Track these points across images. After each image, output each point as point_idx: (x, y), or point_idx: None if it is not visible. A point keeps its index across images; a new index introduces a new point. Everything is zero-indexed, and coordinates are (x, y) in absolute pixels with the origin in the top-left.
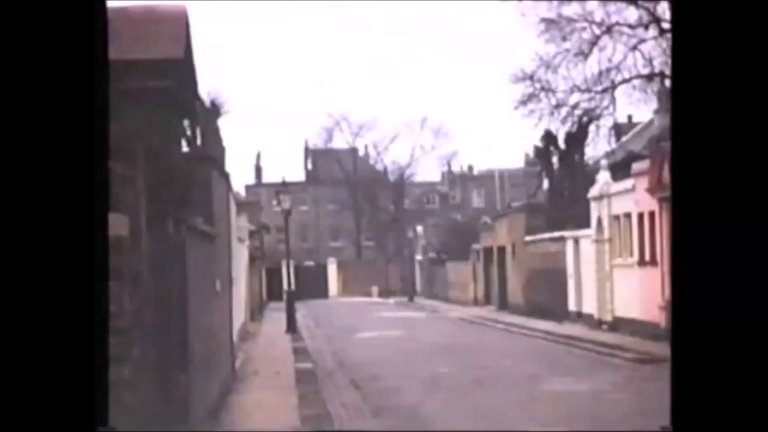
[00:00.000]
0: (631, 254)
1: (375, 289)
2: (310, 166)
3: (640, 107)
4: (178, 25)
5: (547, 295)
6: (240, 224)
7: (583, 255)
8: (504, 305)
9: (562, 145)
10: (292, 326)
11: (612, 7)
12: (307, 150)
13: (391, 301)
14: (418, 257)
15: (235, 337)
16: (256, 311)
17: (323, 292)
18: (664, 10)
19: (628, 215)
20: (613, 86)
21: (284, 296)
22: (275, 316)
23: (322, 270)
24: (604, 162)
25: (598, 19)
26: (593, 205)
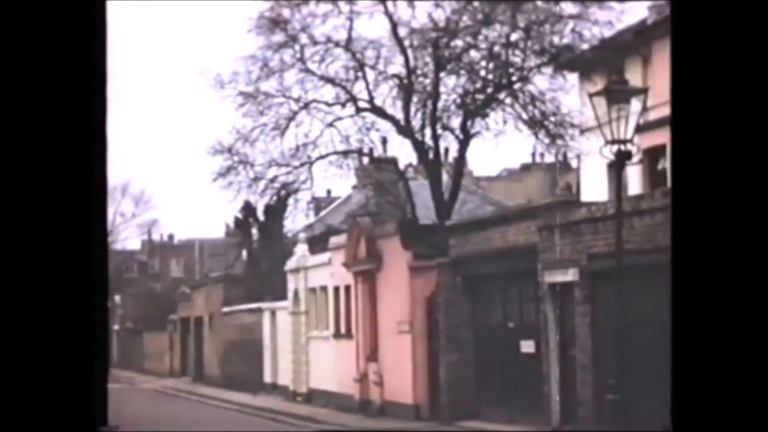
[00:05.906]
0: (327, 327)
1: None
2: None
3: (339, 182)
4: None
5: (243, 366)
6: None
7: (279, 327)
8: (200, 376)
9: (261, 216)
10: None
11: (309, 84)
12: None
13: None
14: (115, 327)
15: None
16: None
17: None
18: (360, 89)
19: (324, 288)
20: (311, 161)
21: None
22: None
23: None
24: (302, 235)
25: (295, 95)
26: (290, 278)
